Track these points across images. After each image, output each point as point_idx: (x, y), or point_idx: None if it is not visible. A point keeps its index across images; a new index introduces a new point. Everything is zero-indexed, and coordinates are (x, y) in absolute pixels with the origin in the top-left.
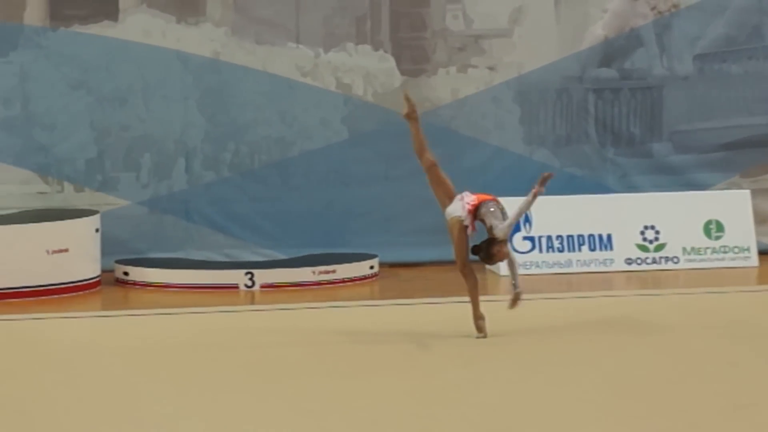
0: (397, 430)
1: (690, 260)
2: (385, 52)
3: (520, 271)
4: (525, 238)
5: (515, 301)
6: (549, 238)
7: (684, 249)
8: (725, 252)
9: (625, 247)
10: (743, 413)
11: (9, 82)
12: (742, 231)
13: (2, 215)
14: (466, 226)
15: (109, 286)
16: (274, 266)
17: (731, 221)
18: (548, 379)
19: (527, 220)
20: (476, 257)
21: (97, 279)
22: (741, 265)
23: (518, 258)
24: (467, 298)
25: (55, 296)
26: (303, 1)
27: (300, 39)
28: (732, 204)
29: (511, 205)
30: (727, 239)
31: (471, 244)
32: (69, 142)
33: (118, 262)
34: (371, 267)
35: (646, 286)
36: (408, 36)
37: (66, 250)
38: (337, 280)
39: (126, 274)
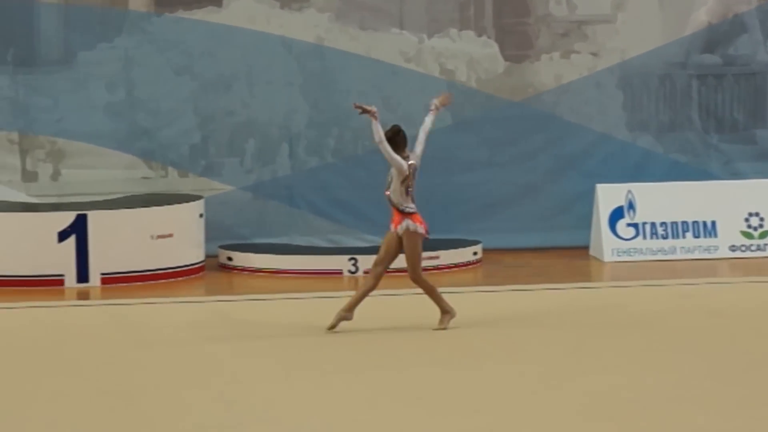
0: (513, 413)
1: None
2: (489, 37)
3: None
4: (629, 224)
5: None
6: (653, 224)
7: None
8: None
9: (730, 234)
10: None
11: (114, 68)
12: None
13: (107, 200)
14: (421, 234)
15: (213, 271)
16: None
17: None
18: (656, 365)
19: (631, 206)
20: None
21: (201, 264)
22: None
23: (621, 244)
24: (569, 285)
25: (160, 281)
26: None
27: (404, 25)
28: None
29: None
30: None
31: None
32: (173, 127)
33: (222, 247)
34: (474, 253)
35: (750, 273)
36: (511, 22)
37: (170, 236)
38: (440, 266)
39: (230, 259)
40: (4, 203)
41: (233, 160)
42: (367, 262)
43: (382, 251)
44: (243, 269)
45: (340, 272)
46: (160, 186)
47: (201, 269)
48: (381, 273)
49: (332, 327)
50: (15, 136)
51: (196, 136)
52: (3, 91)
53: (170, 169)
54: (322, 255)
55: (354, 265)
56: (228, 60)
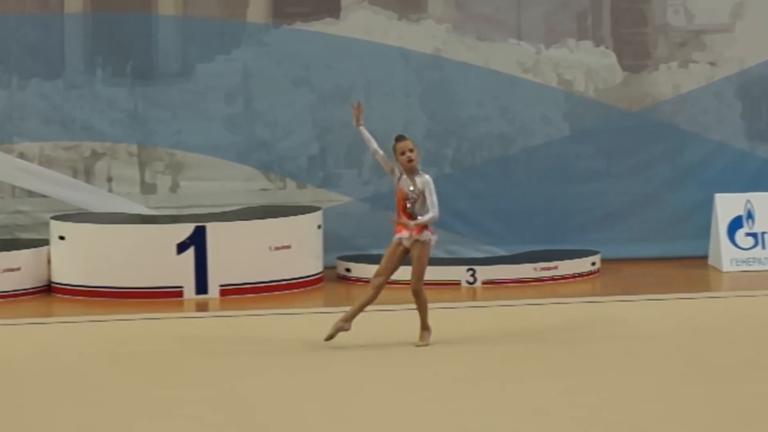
0: (624, 428)
1: None
2: (607, 47)
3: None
4: (748, 234)
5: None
6: None
7: None
8: None
9: None
10: None
11: (232, 80)
12: None
13: (226, 212)
14: (427, 242)
15: (332, 282)
16: (496, 263)
17: None
18: None
19: (750, 216)
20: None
21: (320, 275)
22: None
23: (739, 254)
24: (690, 295)
25: (278, 293)
26: None
27: (521, 35)
28: None
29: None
30: None
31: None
32: (291, 139)
33: (341, 258)
34: (593, 263)
35: None
36: (629, 31)
37: (288, 247)
38: (558, 277)
39: (348, 270)
40: (123, 215)
41: (351, 172)
42: (485, 272)
43: (384, 262)
44: (361, 280)
45: (458, 283)
46: (278, 198)
47: (319, 280)
48: (382, 284)
49: (330, 337)
50: (134, 148)
51: (314, 147)
52: (122, 103)
53: (288, 180)
54: (440, 266)
55: (472, 275)
56: (346, 71)
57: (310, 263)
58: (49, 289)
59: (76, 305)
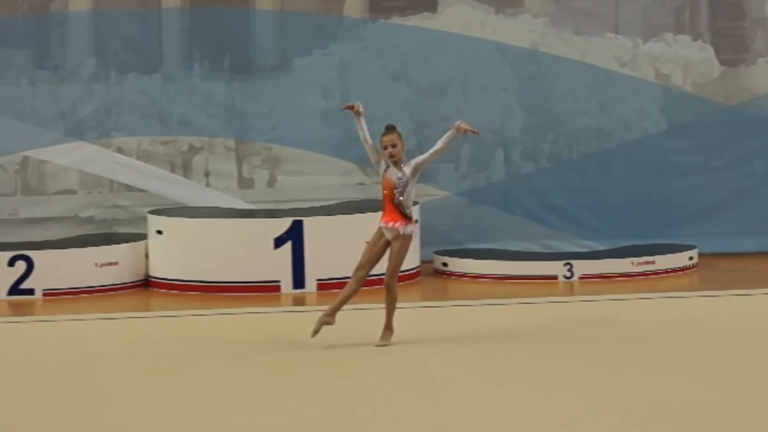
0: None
1: None
2: (704, 41)
3: None
4: None
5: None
6: None
7: None
8: None
9: None
10: None
11: (329, 74)
12: None
13: (323, 206)
14: (409, 236)
15: (429, 276)
16: (593, 257)
17: None
18: None
19: None
20: None
21: (417, 270)
22: None
23: None
24: None
25: (375, 287)
26: None
27: (618, 29)
28: None
29: None
30: None
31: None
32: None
33: (437, 252)
34: (690, 258)
35: None
36: (727, 25)
37: None
38: (656, 271)
39: (445, 265)
40: (220, 210)
41: (448, 166)
42: (582, 267)
43: (365, 254)
44: (458, 275)
45: (555, 278)
46: (375, 192)
47: (417, 275)
48: (364, 276)
49: (315, 332)
50: (231, 143)
51: (411, 141)
52: (219, 98)
53: None
54: (537, 260)
55: (569, 270)
56: (443, 66)
57: (408, 257)
58: (146, 284)
59: (173, 299)
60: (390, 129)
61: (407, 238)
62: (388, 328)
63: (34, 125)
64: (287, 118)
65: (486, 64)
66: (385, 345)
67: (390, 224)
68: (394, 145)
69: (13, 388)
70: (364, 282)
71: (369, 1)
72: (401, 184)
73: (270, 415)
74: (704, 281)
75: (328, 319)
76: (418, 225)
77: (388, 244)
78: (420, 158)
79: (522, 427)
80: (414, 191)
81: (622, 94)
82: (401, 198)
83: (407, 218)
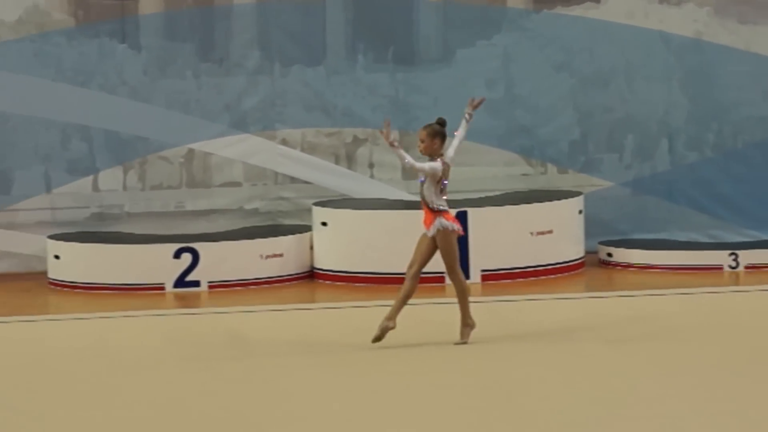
0: None
1: None
2: None
3: None
4: None
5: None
6: None
7: None
8: None
9: None
10: None
11: (493, 65)
12: None
13: (487, 197)
14: (455, 231)
15: (593, 267)
16: (759, 247)
17: None
18: None
19: None
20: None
21: (581, 260)
22: None
23: None
24: None
25: (540, 278)
26: None
27: None
28: None
29: None
30: None
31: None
32: (552, 124)
33: (602, 243)
34: None
35: None
36: None
37: (550, 232)
38: None
39: (610, 255)
40: (384, 201)
41: (612, 156)
42: (748, 257)
43: (415, 253)
44: (623, 265)
45: (720, 267)
46: (539, 183)
47: (581, 265)
48: (417, 273)
49: (378, 339)
50: (395, 134)
51: (575, 132)
52: (383, 89)
53: (549, 165)
54: (702, 250)
55: (734, 260)
56: (606, 56)
57: (572, 248)
58: (311, 275)
59: (339, 291)
60: (427, 126)
61: (445, 233)
62: (466, 324)
63: (199, 118)
64: (451, 109)
65: (650, 53)
66: (464, 343)
67: (427, 223)
68: (422, 141)
69: (183, 379)
70: (419, 279)
71: None
72: (423, 178)
73: (429, 405)
74: None
75: (389, 323)
76: (451, 221)
77: (433, 240)
78: (450, 153)
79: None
80: (436, 187)
81: None
82: (423, 192)
83: (436, 212)
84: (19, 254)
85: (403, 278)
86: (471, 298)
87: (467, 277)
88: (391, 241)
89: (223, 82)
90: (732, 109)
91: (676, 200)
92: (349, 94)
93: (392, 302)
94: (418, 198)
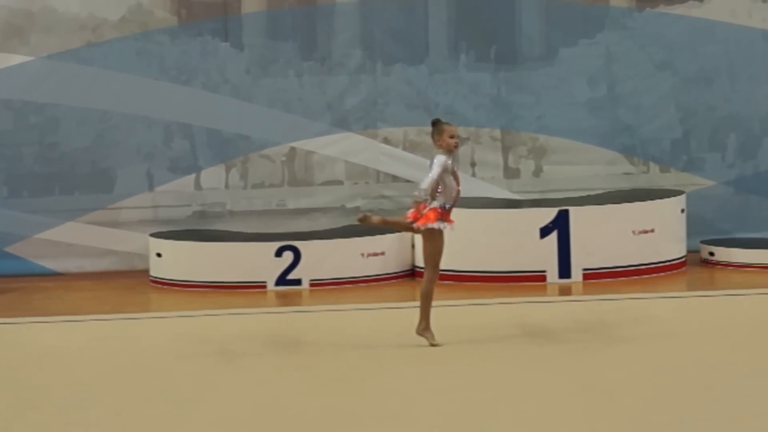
0: None
1: None
2: None
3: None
4: None
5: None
6: None
7: None
8: None
9: None
10: None
11: (595, 64)
12: None
13: (589, 196)
14: (441, 230)
15: (695, 266)
16: None
17: None
18: None
19: None
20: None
21: (683, 259)
22: None
23: None
24: None
25: (641, 277)
26: None
27: None
28: None
29: None
30: None
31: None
32: (654, 122)
33: (704, 242)
34: None
35: None
36: None
37: (652, 231)
38: None
39: (712, 254)
40: (486, 200)
41: (715, 155)
42: None
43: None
44: (725, 264)
45: None
46: (641, 181)
47: (683, 264)
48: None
49: (434, 344)
50: (497, 133)
51: (677, 131)
52: (485, 88)
53: (651, 164)
54: None
55: None
56: (709, 55)
57: (673, 247)
58: (412, 274)
59: (440, 289)
60: (448, 123)
61: (426, 232)
62: (421, 323)
63: (301, 116)
64: (553, 108)
65: (753, 52)
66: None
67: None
68: (452, 137)
69: (282, 377)
70: (438, 277)
71: None
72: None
73: (526, 403)
74: None
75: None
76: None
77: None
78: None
79: None
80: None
81: None
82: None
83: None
84: (121, 252)
85: (503, 277)
86: (573, 297)
87: (567, 276)
88: (493, 239)
89: (325, 80)
90: None
91: None
92: (451, 93)
93: (489, 301)
94: (518, 197)
